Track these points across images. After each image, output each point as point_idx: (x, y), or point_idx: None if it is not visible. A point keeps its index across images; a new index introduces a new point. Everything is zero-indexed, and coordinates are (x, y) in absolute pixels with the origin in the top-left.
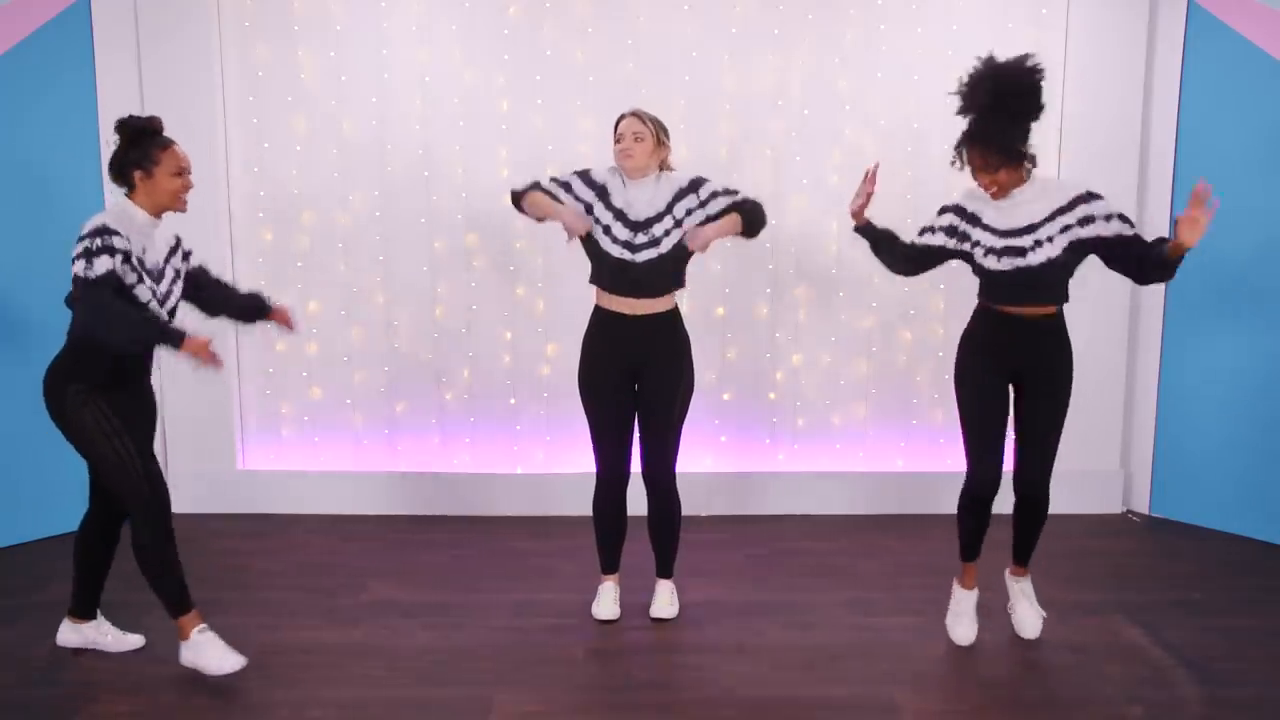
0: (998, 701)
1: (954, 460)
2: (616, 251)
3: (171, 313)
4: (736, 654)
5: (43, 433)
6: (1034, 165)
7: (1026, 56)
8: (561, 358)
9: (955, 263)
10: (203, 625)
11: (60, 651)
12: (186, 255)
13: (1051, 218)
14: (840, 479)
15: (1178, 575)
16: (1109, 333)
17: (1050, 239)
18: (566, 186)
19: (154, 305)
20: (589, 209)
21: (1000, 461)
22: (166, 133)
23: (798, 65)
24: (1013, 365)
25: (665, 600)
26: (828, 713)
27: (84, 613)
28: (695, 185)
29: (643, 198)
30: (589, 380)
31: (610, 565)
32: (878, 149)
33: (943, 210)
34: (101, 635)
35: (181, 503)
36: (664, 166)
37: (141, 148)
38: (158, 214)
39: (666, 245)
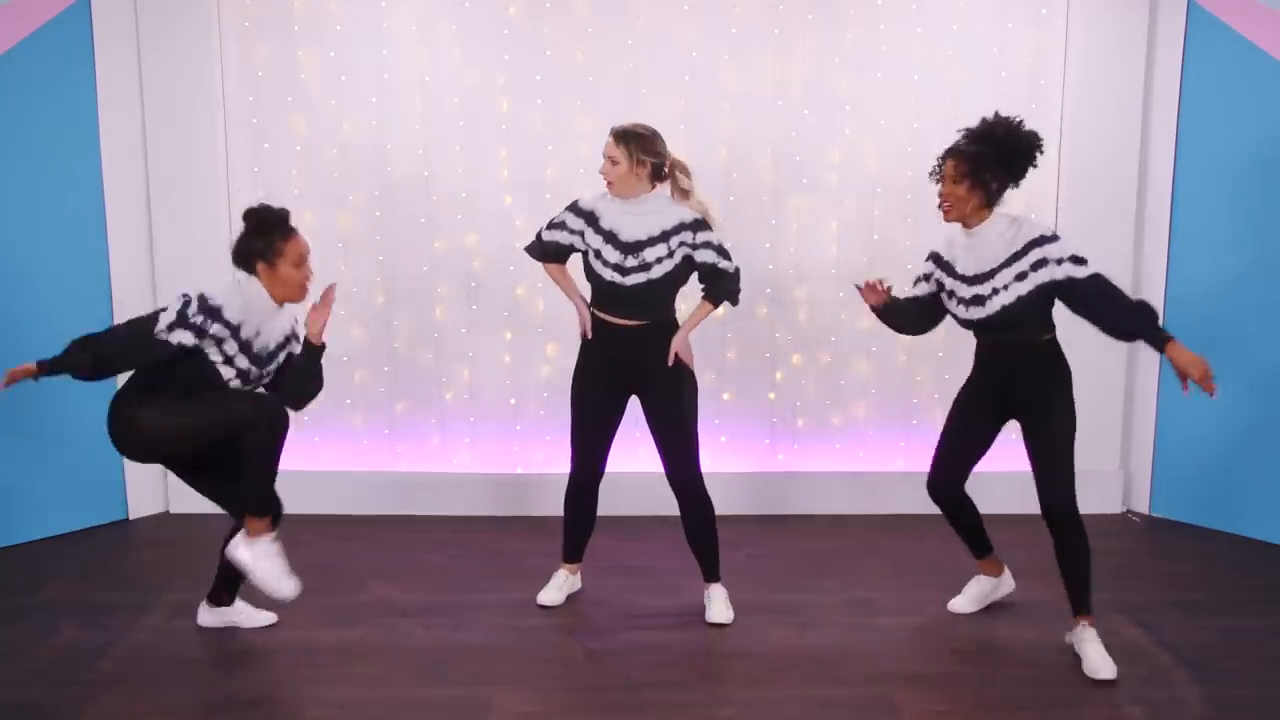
0: (998, 701)
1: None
2: (608, 275)
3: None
4: (736, 654)
5: (43, 433)
6: (990, 205)
7: (1041, 139)
8: (561, 358)
9: None
10: (273, 532)
11: (60, 651)
12: (297, 339)
13: (1007, 263)
14: (840, 479)
15: (1178, 575)
16: None
17: (1005, 286)
18: (561, 226)
19: (235, 383)
20: (580, 236)
21: (945, 473)
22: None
23: (798, 65)
24: (1003, 399)
25: (720, 605)
26: (828, 713)
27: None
28: (696, 227)
29: (634, 219)
30: (580, 382)
31: (571, 555)
32: (877, 149)
33: (927, 258)
34: (237, 614)
35: (182, 503)
36: (675, 181)
37: (266, 237)
38: (280, 303)
39: (657, 272)
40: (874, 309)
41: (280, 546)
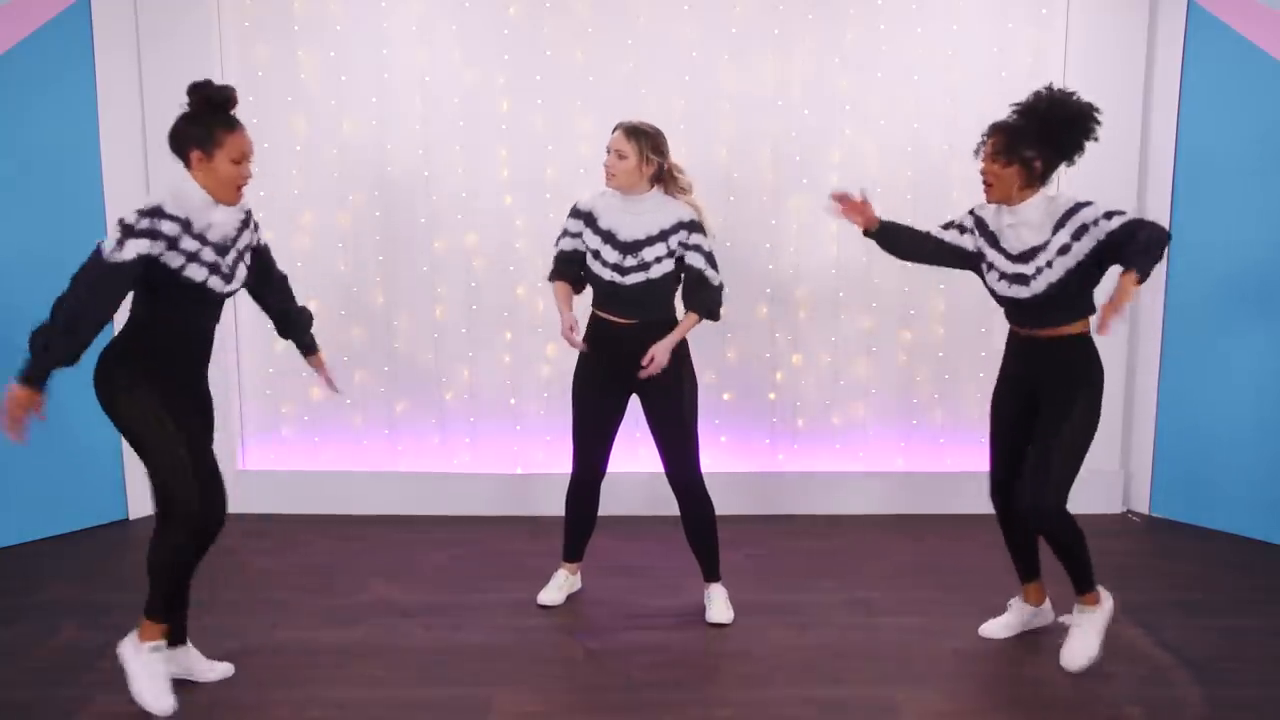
0: (998, 701)
1: (954, 460)
2: (607, 275)
3: (233, 292)
4: (736, 654)
5: (42, 432)
6: (1035, 184)
7: (1096, 110)
8: (561, 358)
9: None
10: (161, 644)
11: (60, 651)
12: (256, 226)
13: (1049, 241)
14: (840, 479)
15: (1178, 575)
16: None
17: (1049, 264)
18: (565, 234)
19: (214, 281)
20: (579, 238)
21: (1004, 470)
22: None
23: (798, 65)
24: (1030, 391)
25: (720, 605)
26: (828, 713)
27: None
28: (693, 228)
29: (633, 219)
30: (581, 382)
31: (571, 554)
32: (877, 149)
33: (970, 212)
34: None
35: None
36: (674, 181)
37: (207, 124)
38: (215, 201)
39: (656, 272)
40: (866, 233)
41: (162, 655)
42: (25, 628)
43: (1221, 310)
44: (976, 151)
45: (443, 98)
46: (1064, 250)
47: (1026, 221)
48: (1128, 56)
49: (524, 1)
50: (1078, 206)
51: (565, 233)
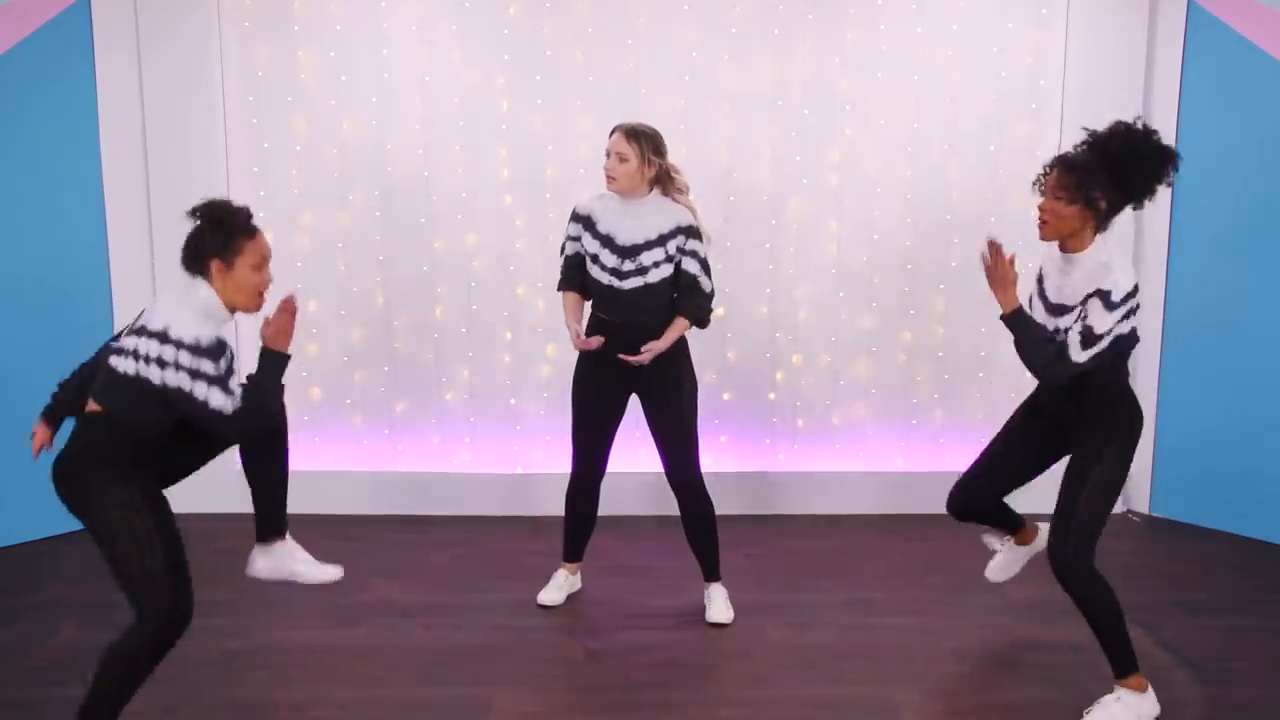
0: (997, 702)
1: (954, 460)
2: (605, 279)
3: None
4: (736, 654)
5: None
6: (1098, 228)
7: (1176, 154)
8: (561, 358)
9: (955, 262)
10: None
11: (60, 651)
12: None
13: (1077, 306)
14: (840, 479)
15: (1178, 575)
16: None
17: (1068, 330)
18: (568, 239)
19: (228, 407)
20: (579, 241)
21: (961, 500)
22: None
23: (798, 65)
24: (1059, 427)
25: (720, 605)
26: (828, 713)
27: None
28: (690, 233)
29: (633, 222)
30: (581, 382)
31: (571, 554)
32: (877, 149)
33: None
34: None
35: (182, 503)
36: (671, 181)
37: (226, 233)
38: (231, 312)
39: (654, 276)
40: (1015, 321)
41: None
42: (25, 628)
43: (1221, 310)
44: (1035, 184)
45: (443, 98)
46: (1076, 318)
47: (1076, 272)
48: (1128, 56)
49: (524, 1)
50: (1099, 293)
51: (568, 238)
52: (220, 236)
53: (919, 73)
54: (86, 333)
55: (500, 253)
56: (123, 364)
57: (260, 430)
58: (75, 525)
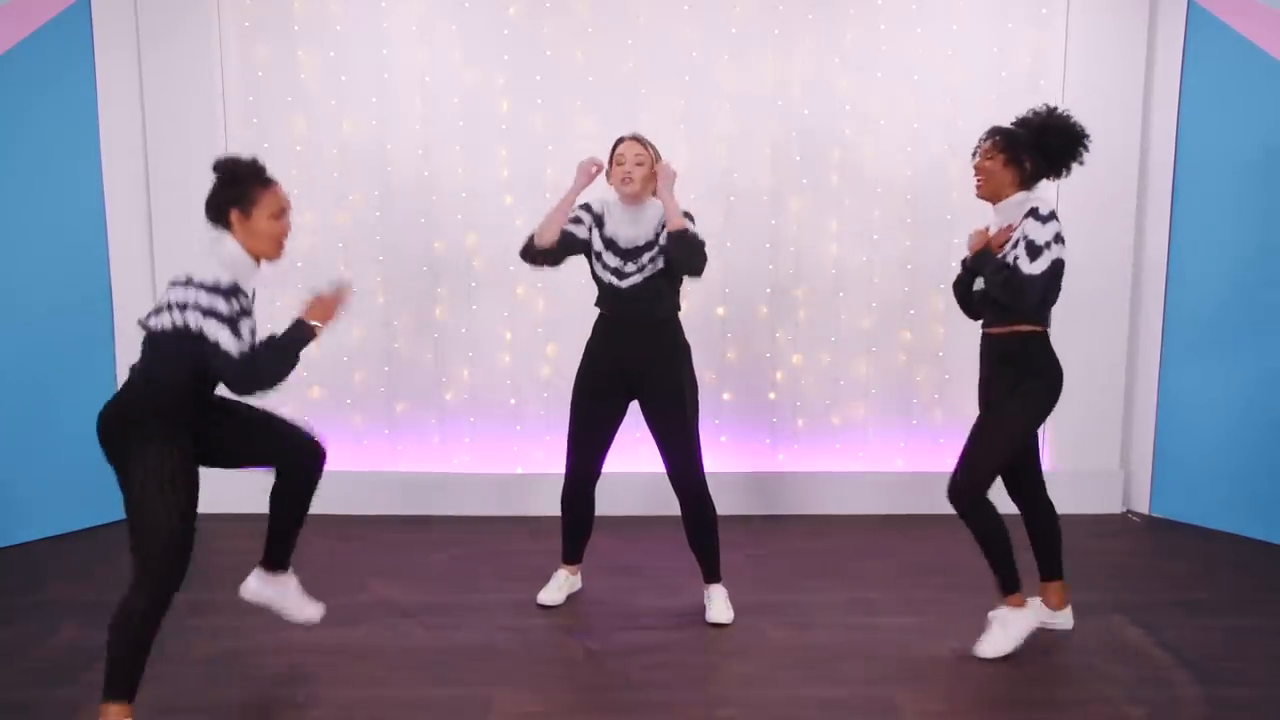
0: (998, 701)
1: (954, 460)
2: (607, 278)
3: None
4: (736, 654)
5: (42, 432)
6: (1021, 187)
7: (1088, 136)
8: (561, 358)
9: (954, 263)
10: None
11: (60, 651)
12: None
13: (1013, 241)
14: (840, 479)
15: (1178, 575)
16: (1109, 333)
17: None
18: (574, 220)
19: (246, 349)
20: (589, 230)
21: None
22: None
23: (798, 65)
24: (988, 390)
25: (720, 605)
26: (828, 713)
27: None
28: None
29: (631, 228)
30: (581, 385)
31: (570, 556)
32: (877, 149)
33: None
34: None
35: None
36: (653, 178)
37: (241, 185)
38: (256, 259)
39: (651, 270)
40: (980, 262)
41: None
42: (25, 628)
43: (1221, 309)
44: (974, 154)
45: (443, 98)
46: (1014, 245)
47: (1005, 217)
48: (1128, 57)
49: (524, 1)
50: (1033, 213)
51: (577, 220)
52: (237, 189)
53: (919, 73)
54: (86, 333)
55: (500, 253)
56: (155, 319)
57: (268, 385)
58: (75, 525)
